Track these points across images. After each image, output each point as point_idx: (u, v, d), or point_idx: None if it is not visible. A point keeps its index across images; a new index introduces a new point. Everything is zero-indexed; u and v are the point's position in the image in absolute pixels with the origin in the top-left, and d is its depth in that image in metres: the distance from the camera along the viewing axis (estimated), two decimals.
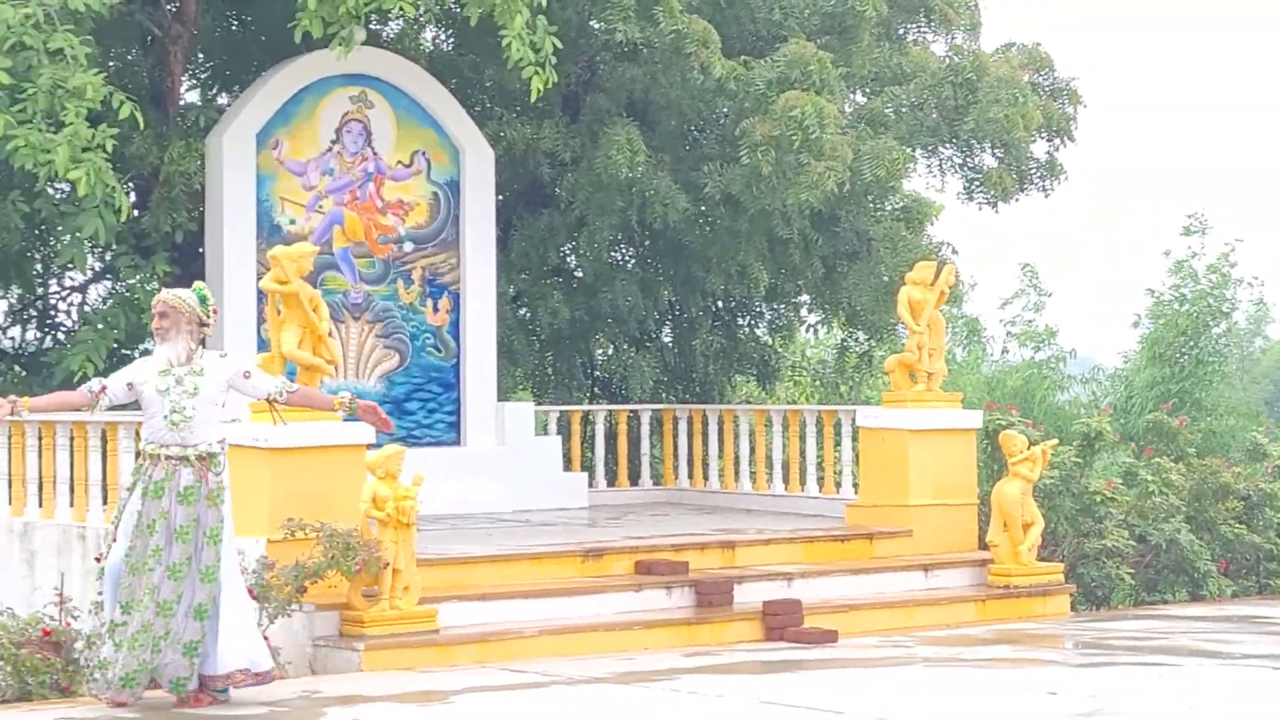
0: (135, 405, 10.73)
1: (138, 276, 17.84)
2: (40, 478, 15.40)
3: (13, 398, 10.39)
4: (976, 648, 13.91)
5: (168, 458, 10.30)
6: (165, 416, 10.31)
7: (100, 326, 17.77)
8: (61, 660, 11.20)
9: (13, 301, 20.94)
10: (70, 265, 17.07)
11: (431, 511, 16.49)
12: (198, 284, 10.76)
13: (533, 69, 16.08)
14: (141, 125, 15.83)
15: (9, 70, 14.54)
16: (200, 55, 20.49)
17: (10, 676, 11.05)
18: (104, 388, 10.49)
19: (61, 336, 19.99)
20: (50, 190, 17.06)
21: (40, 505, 15.36)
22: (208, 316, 10.58)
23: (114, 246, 17.67)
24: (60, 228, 16.85)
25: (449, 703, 11.07)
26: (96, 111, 15.15)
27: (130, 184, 18.71)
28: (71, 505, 14.97)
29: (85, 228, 15.93)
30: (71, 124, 14.66)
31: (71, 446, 14.99)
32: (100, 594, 10.43)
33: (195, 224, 18.04)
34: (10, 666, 11.06)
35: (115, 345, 17.90)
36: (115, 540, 10.39)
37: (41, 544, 15.06)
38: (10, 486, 15.60)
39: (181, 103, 19.08)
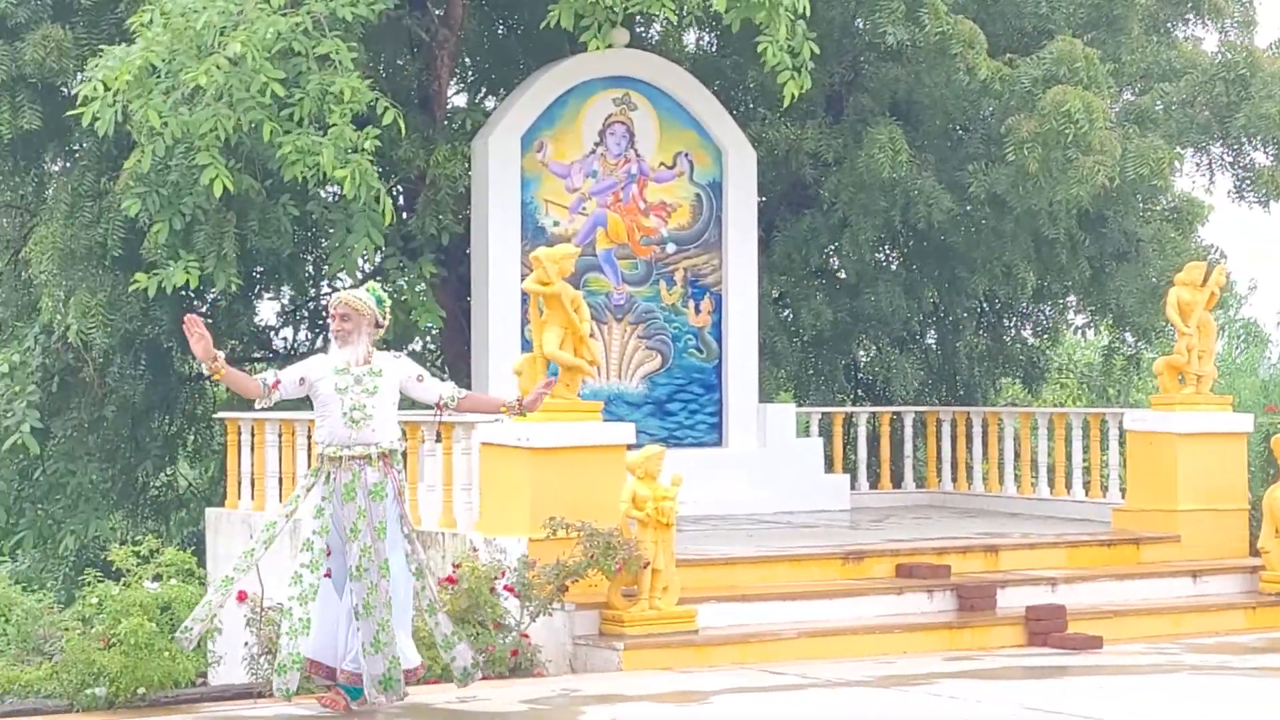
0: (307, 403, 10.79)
1: (405, 278, 18.13)
2: None
3: (219, 354, 10.17)
4: (1246, 656, 13.55)
5: (350, 458, 10.25)
6: (345, 414, 10.24)
7: None
8: None
9: (284, 303, 21.46)
10: (341, 272, 17.38)
11: (693, 512, 16.59)
12: (372, 284, 10.73)
13: (789, 74, 16.01)
14: (403, 130, 16.05)
15: (279, 80, 14.85)
16: (467, 59, 20.79)
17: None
18: (278, 381, 10.39)
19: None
20: (320, 194, 17.42)
21: None
22: (384, 317, 10.58)
23: (382, 248, 17.97)
24: (331, 231, 17.18)
25: (707, 703, 11.07)
26: (362, 115, 15.43)
27: (398, 187, 19.09)
28: None
29: (354, 234, 16.23)
30: (336, 126, 14.94)
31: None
32: (291, 598, 10.34)
33: (461, 226, 18.28)
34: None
35: (383, 344, 18.18)
36: (312, 549, 10.32)
37: None
38: (280, 484, 15.94)
39: (448, 106, 19.36)
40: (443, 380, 11.05)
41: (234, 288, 16.81)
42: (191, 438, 22.47)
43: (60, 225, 17.31)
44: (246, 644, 11.60)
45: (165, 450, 21.20)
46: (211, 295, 18.85)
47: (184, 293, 16.84)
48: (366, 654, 10.13)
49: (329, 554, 10.31)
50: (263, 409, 11.11)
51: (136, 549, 11.13)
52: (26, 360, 18.99)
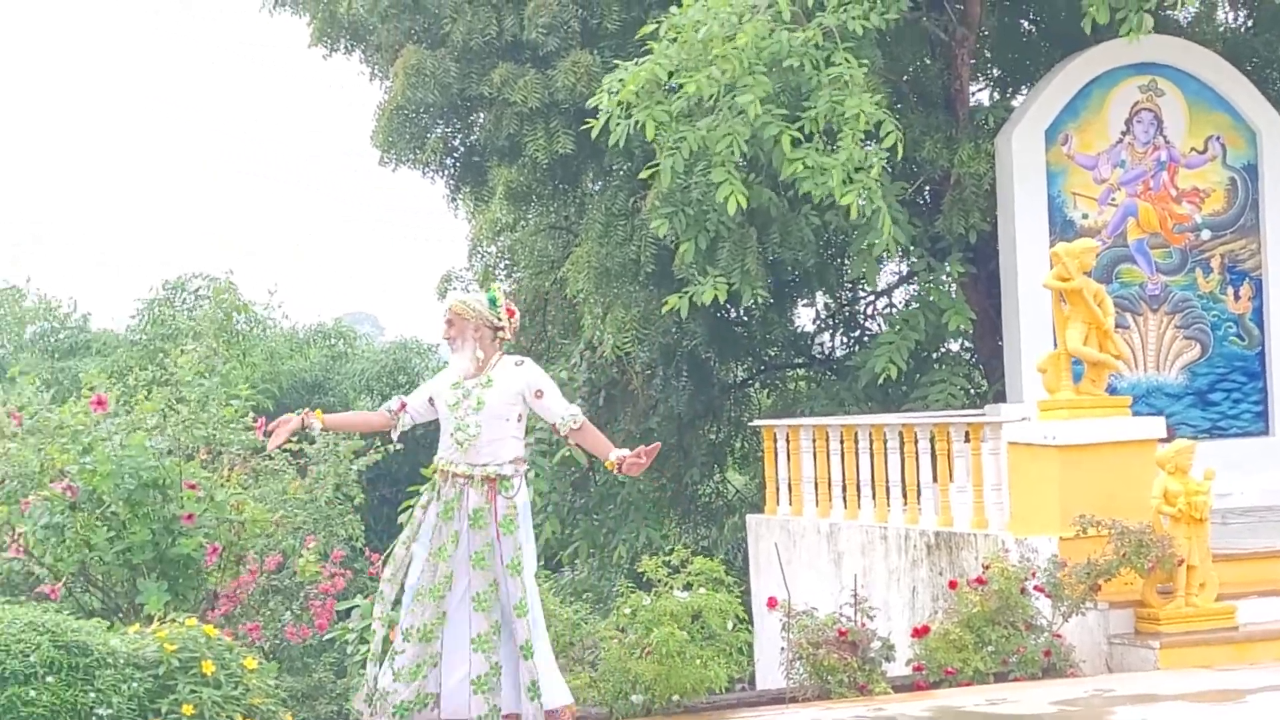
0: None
1: (933, 278, 18.14)
2: (844, 480, 15.89)
3: (305, 411, 9.79)
4: None
5: (455, 475, 9.50)
6: (452, 434, 9.51)
7: (900, 328, 18.18)
8: (858, 659, 11.51)
9: (819, 310, 21.72)
10: (861, 278, 17.51)
11: (1239, 504, 16.18)
12: (491, 286, 10.24)
13: None
14: (900, 151, 15.92)
15: (786, 89, 15.00)
16: (987, 55, 20.67)
17: (810, 675, 11.44)
18: (403, 405, 9.85)
19: (867, 341, 20.54)
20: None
21: (845, 506, 15.85)
22: (500, 320, 9.67)
23: (905, 250, 18.02)
24: (849, 242, 17.33)
25: (1242, 702, 10.74)
26: (876, 124, 15.50)
27: (924, 187, 19.10)
28: (874, 505, 15.37)
29: (870, 244, 16.34)
30: (845, 148, 15.02)
31: (871, 449, 15.40)
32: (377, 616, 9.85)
33: (989, 224, 18.19)
34: (809, 665, 11.45)
35: (915, 346, 18.26)
36: (410, 561, 9.71)
37: (847, 545, 15.54)
38: (816, 489, 16.17)
39: (970, 104, 19.29)
40: (570, 403, 9.94)
41: (760, 300, 17.12)
42: (738, 445, 22.95)
43: (595, 244, 17.95)
44: (781, 649, 11.79)
45: (712, 458, 21.72)
46: (744, 306, 19.23)
47: (718, 304, 17.22)
48: (405, 677, 9.54)
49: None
50: (400, 434, 10.18)
51: (667, 559, 11.44)
52: (574, 376, 19.75)
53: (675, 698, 10.78)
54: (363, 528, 21.20)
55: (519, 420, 9.57)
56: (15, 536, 13.16)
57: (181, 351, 18.24)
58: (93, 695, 9.48)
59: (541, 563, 19.99)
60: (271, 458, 19.66)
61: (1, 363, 31.46)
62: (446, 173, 20.13)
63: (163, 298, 28.77)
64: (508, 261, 23.21)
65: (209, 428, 14.54)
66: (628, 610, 10.98)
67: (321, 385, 30.96)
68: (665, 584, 11.14)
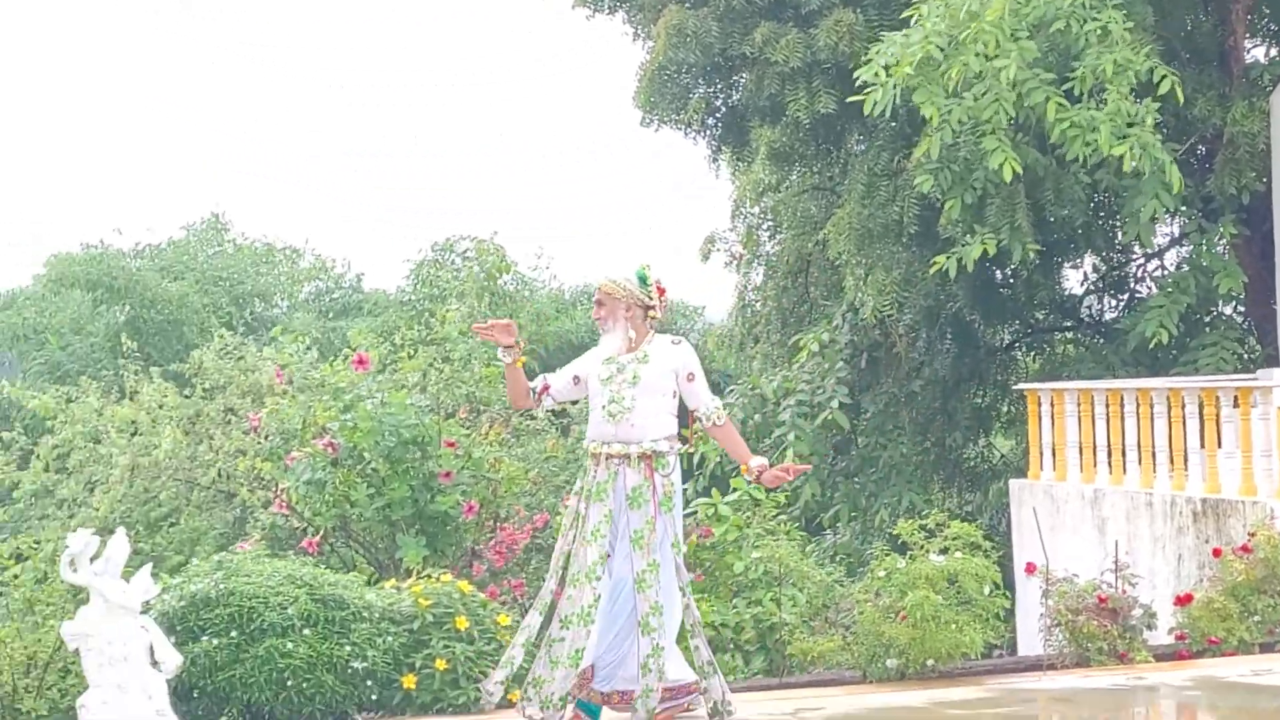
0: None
1: (1205, 240, 17.67)
2: (1109, 445, 15.57)
3: (517, 345, 9.27)
4: None
5: (609, 456, 9.03)
6: (604, 407, 9.09)
7: (1171, 291, 17.75)
8: (1118, 627, 11.25)
9: (1087, 273, 21.30)
10: (1136, 241, 17.09)
11: None
12: (642, 264, 9.53)
13: None
14: (1179, 98, 15.51)
15: (1054, 49, 14.70)
16: (1265, 10, 20.05)
17: (1068, 642, 11.22)
18: (546, 386, 9.40)
19: (1136, 304, 20.11)
20: (1109, 162, 17.22)
21: (1109, 472, 15.52)
22: (651, 298, 9.23)
23: (1175, 211, 17.57)
24: (1123, 197, 16.94)
25: None
26: (1145, 83, 15.12)
27: (1196, 147, 18.60)
28: (1140, 471, 15.03)
29: (1142, 204, 15.95)
30: (1113, 103, 14.67)
31: (1137, 414, 15.06)
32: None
33: (1263, 184, 17.65)
34: (1068, 632, 11.22)
35: (1186, 309, 17.81)
36: (568, 554, 9.26)
37: (1110, 511, 15.22)
38: (1081, 454, 15.86)
39: (1245, 62, 18.73)
40: (713, 396, 9.43)
41: (1030, 258, 16.82)
42: (1004, 409, 22.63)
43: (857, 205, 17.78)
44: (1040, 616, 11.59)
45: (977, 422, 21.45)
46: (1010, 267, 18.92)
47: (984, 266, 16.96)
48: (565, 664, 9.04)
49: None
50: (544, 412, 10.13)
51: (923, 523, 11.29)
52: (835, 338, 19.62)
53: (929, 662, 10.63)
54: None
55: (673, 397, 9.16)
56: (279, 492, 13.44)
57: (447, 311, 18.49)
58: (348, 648, 9.64)
59: (799, 524, 20.01)
60: (535, 417, 19.95)
61: (277, 322, 32.21)
62: (708, 133, 20.10)
63: (431, 259, 29.13)
64: (771, 223, 23.12)
65: (469, 386, 14.70)
66: (882, 573, 10.86)
67: (588, 346, 31.14)
68: (921, 548, 10.99)
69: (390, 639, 9.89)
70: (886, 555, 11.07)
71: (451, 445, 13.08)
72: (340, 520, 12.93)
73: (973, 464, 22.23)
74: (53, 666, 9.50)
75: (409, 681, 9.77)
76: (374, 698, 9.76)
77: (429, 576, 10.61)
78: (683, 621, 9.22)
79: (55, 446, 18.72)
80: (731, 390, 20.39)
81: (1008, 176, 15.24)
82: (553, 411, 20.35)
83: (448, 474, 12.87)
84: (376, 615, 9.94)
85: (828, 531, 22.19)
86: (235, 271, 31.22)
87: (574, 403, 9.99)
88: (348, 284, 36.03)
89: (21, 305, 29.97)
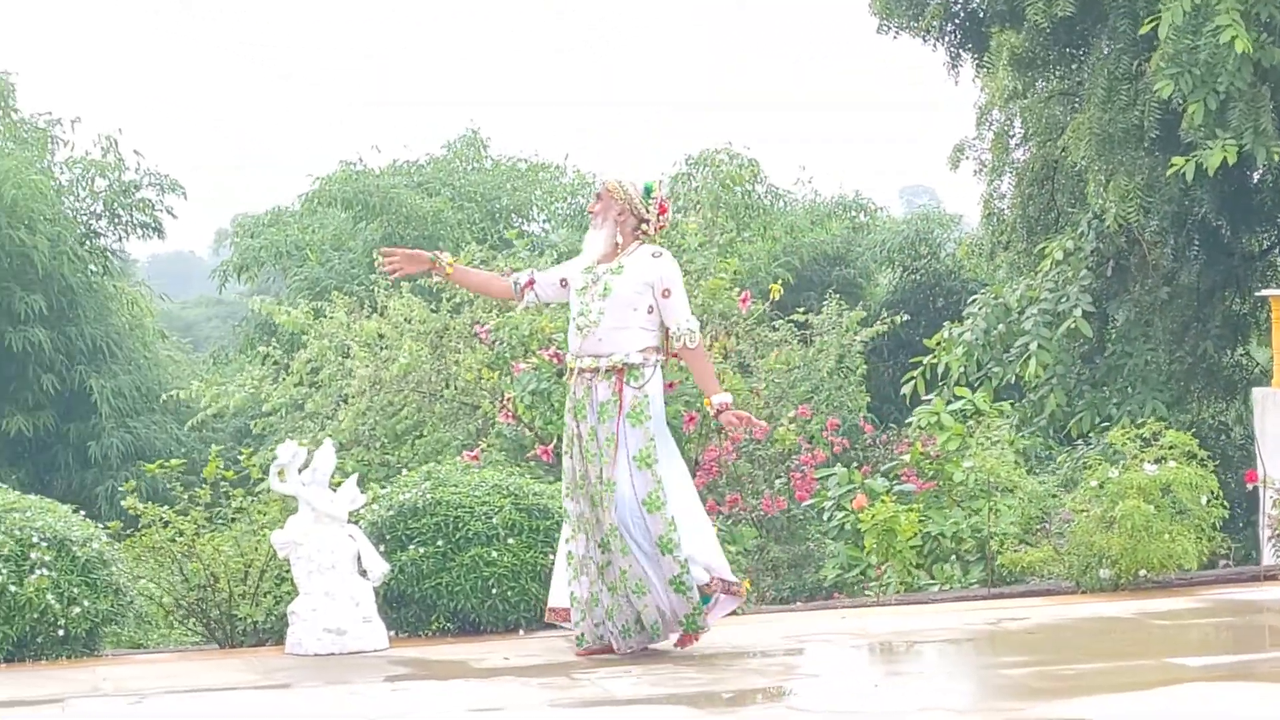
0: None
1: None
2: None
3: (438, 254, 9.21)
4: None
5: (582, 371, 8.79)
6: (574, 319, 8.86)
7: None
8: None
9: None
10: None
11: None
12: (653, 181, 9.11)
13: None
14: None
15: None
16: None
17: None
18: (531, 281, 9.18)
19: None
20: None
21: None
22: (647, 212, 8.89)
23: None
24: None
25: None
26: None
27: None
28: None
29: None
30: None
31: None
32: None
33: None
34: None
35: None
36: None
37: None
38: None
39: None
40: (692, 315, 9.03)
41: (1277, 160, 16.34)
42: (1263, 318, 22.05)
43: (1097, 110, 17.40)
44: (1264, 527, 11.37)
45: (1231, 331, 20.94)
46: (1255, 173, 18.41)
47: (1234, 170, 16.53)
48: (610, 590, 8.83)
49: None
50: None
51: (1139, 432, 11.12)
52: (1080, 245, 19.28)
53: (1142, 573, 10.50)
54: (866, 399, 21.36)
55: (648, 313, 8.78)
56: (505, 402, 13.67)
57: (687, 224, 18.55)
58: (551, 556, 9.79)
59: (1047, 435, 19.75)
60: (776, 328, 19.98)
61: (540, 239, 32.57)
62: (946, 40, 19.80)
63: (684, 172, 29.16)
64: (1020, 130, 22.73)
65: (700, 297, 14.73)
66: (1094, 484, 10.73)
67: (843, 257, 30.99)
68: (1136, 458, 10.83)
69: None
70: (1099, 465, 10.95)
71: (675, 356, 13.16)
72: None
73: (1228, 373, 21.71)
74: (268, 575, 9.78)
75: None
76: None
77: None
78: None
79: (308, 361, 19.21)
80: (974, 300, 20.14)
81: (1240, 48, 14.83)
82: (796, 323, 20.42)
83: (670, 385, 12.95)
84: None
85: (1079, 442, 21.89)
86: (491, 188, 31.57)
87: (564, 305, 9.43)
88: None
89: (286, 223, 30.71)
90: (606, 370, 8.73)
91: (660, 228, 9.00)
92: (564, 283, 9.09)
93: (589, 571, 8.83)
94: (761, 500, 14.64)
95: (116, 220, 28.90)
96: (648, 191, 8.94)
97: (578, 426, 8.80)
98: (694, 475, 13.73)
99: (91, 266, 28.21)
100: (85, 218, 28.74)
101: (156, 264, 78.22)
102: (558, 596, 9.13)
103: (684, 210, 23.57)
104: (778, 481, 14.95)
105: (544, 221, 34.01)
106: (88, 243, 28.23)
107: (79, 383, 26.90)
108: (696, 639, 8.91)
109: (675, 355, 9.13)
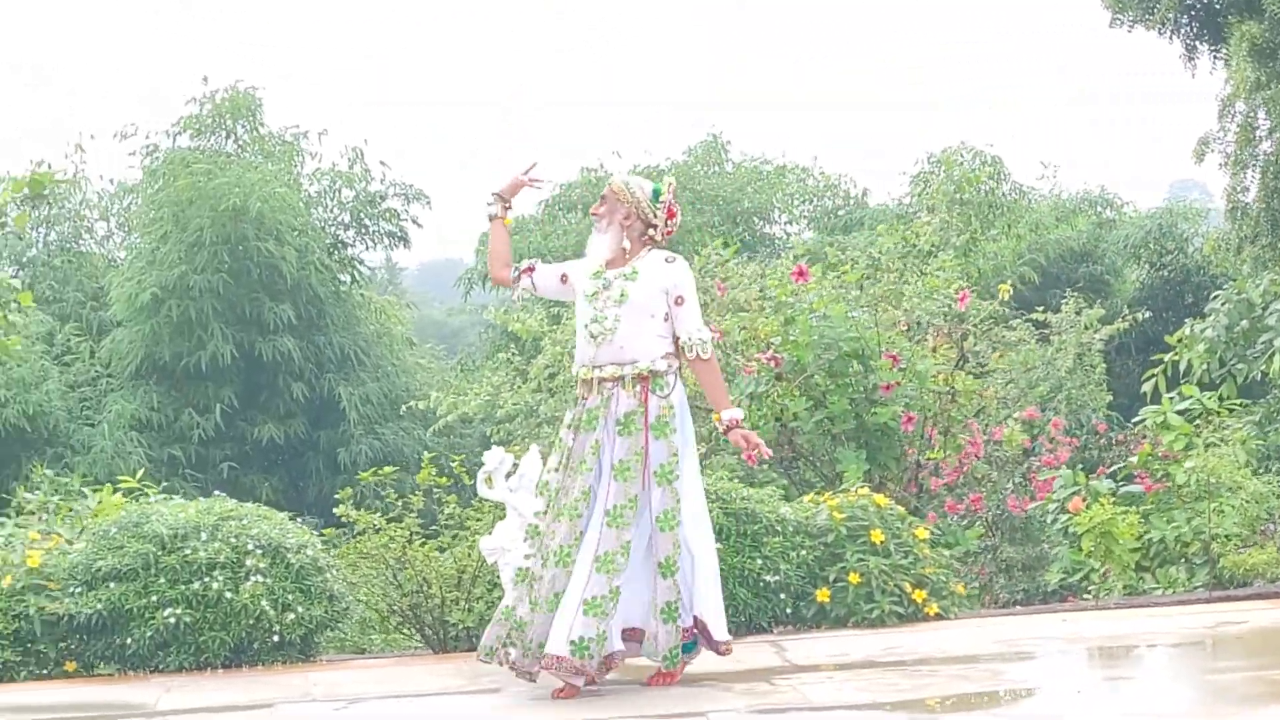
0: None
1: None
2: None
3: (507, 201, 8.67)
4: None
5: (601, 380, 8.24)
6: (586, 326, 8.32)
7: None
8: None
9: None
10: None
11: None
12: (660, 180, 8.60)
13: None
14: None
15: None
16: None
17: None
18: (530, 268, 8.67)
19: None
20: None
21: None
22: (655, 216, 8.40)
23: None
24: None
25: None
26: None
27: None
28: None
29: None
30: None
31: None
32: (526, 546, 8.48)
33: None
34: None
35: None
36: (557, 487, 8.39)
37: None
38: None
39: None
40: (704, 325, 8.43)
41: None
42: None
43: None
44: None
45: None
46: None
47: None
48: (544, 607, 8.20)
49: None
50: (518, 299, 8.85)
51: None
52: None
53: None
54: (1108, 398, 21.01)
55: (664, 320, 8.30)
56: None
57: (923, 225, 18.41)
58: (760, 562, 9.79)
59: None
60: (1013, 328, 19.72)
61: (773, 239, 32.56)
62: (1182, 32, 19.38)
63: (929, 171, 29.01)
64: (1264, 122, 22.14)
65: (912, 301, 14.60)
66: None
67: (1090, 254, 30.54)
68: None
69: (804, 552, 10.00)
70: None
71: (893, 359, 13.07)
72: (782, 432, 13.08)
73: None
74: (480, 580, 9.90)
75: (823, 595, 9.88)
76: (788, 610, 9.90)
77: (845, 490, 10.68)
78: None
79: (545, 366, 19.37)
80: (1216, 295, 19.67)
81: None
82: (1034, 323, 20.14)
83: (889, 386, 12.88)
84: (790, 529, 10.07)
85: None
86: (732, 190, 31.64)
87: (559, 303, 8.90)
88: (853, 200, 36.05)
89: (529, 230, 31.08)
90: (632, 379, 8.25)
91: (668, 233, 8.51)
92: (564, 279, 8.61)
93: (535, 592, 8.24)
94: (1006, 500, 14.51)
95: (364, 230, 29.50)
96: (656, 195, 8.48)
97: (574, 439, 8.29)
98: (917, 476, 13.67)
99: (341, 276, 28.82)
100: (333, 228, 29.36)
101: (427, 271, 79.60)
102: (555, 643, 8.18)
103: (929, 209, 23.42)
104: (1013, 482, 14.78)
105: (785, 223, 34.01)
106: (335, 252, 28.83)
107: (328, 390, 27.52)
108: (674, 679, 8.32)
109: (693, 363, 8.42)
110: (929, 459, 13.59)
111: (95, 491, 12.16)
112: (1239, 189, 22.49)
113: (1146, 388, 19.28)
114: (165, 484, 25.56)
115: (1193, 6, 19.14)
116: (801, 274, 13.94)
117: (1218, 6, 18.95)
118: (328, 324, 27.93)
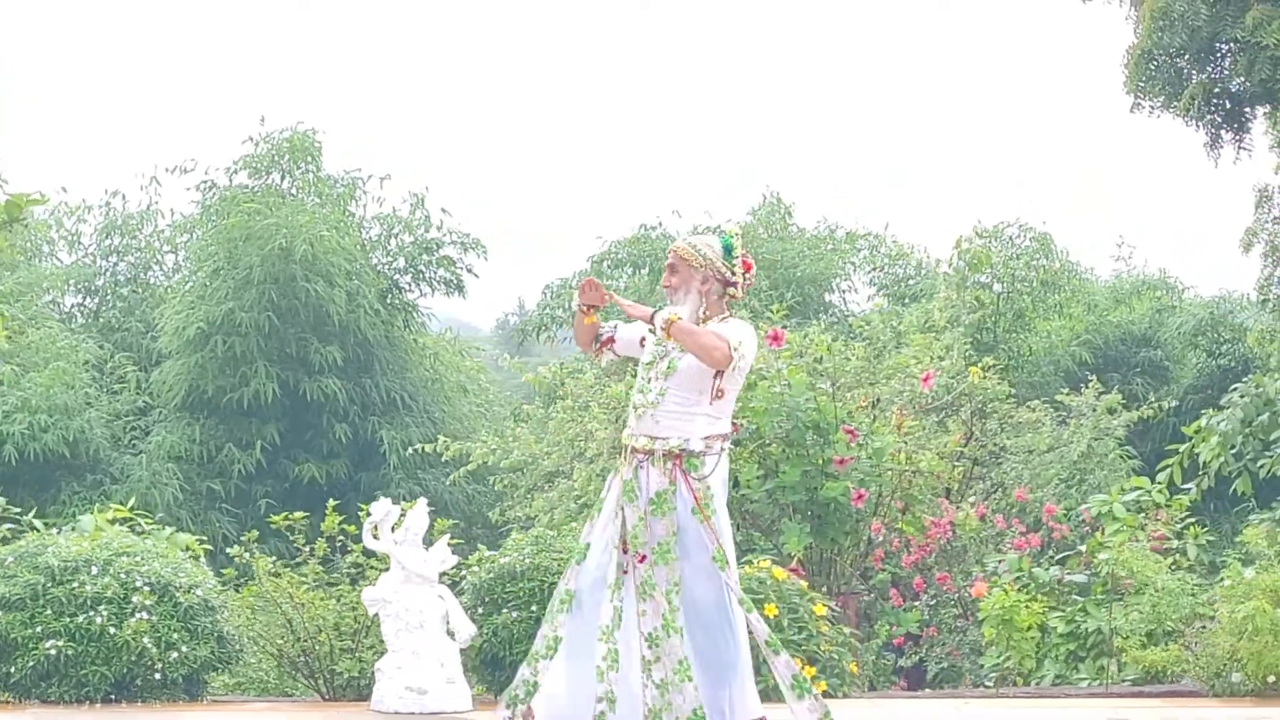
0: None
1: None
2: None
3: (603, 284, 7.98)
4: None
5: (633, 450, 7.76)
6: (632, 395, 7.88)
7: None
8: None
9: None
10: None
11: None
12: (728, 230, 7.98)
13: None
14: None
15: None
16: None
17: None
18: (610, 339, 8.16)
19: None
20: None
21: None
22: (734, 274, 7.83)
23: None
24: None
25: None
26: None
27: None
28: None
29: None
30: None
31: None
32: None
33: None
34: None
35: None
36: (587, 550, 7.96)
37: None
38: None
39: None
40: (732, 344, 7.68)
41: None
42: None
43: None
44: None
45: None
46: None
47: None
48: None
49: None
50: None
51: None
52: None
53: (1270, 679, 10.08)
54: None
55: (718, 397, 7.73)
56: None
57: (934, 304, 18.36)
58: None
59: None
60: (1033, 410, 19.64)
61: (831, 306, 32.49)
62: (1206, 120, 19.27)
63: (979, 244, 28.80)
64: None
65: (880, 375, 14.58)
66: (1226, 583, 10.37)
67: (1150, 338, 30.19)
68: (1272, 558, 10.44)
69: None
70: (1234, 564, 10.58)
71: (850, 433, 13.01)
72: (731, 499, 13.05)
73: None
74: (372, 631, 10.00)
75: None
76: None
77: (761, 561, 10.66)
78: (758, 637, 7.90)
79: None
80: (1235, 388, 19.51)
81: None
82: (1053, 403, 20.05)
83: (843, 461, 12.83)
84: None
85: None
86: (791, 255, 31.50)
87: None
88: (924, 270, 35.85)
89: (572, 288, 31.16)
90: (662, 454, 7.70)
91: (748, 286, 7.95)
92: (643, 342, 8.05)
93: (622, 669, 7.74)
94: (971, 582, 14.48)
95: (419, 276, 29.70)
96: (728, 250, 7.89)
97: (624, 512, 7.78)
98: (869, 552, 13.65)
99: (395, 320, 29.00)
100: (391, 273, 29.59)
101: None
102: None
103: (944, 285, 23.36)
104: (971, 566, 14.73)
105: (844, 291, 33.86)
106: (390, 296, 29.04)
107: (371, 433, 27.70)
108: None
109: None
110: (881, 540, 13.59)
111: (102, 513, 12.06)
112: (1274, 281, 22.34)
113: (1161, 478, 19.15)
114: (201, 518, 25.99)
115: (1217, 94, 19.06)
116: (776, 339, 13.94)
117: (1243, 96, 18.86)
118: (376, 367, 28.13)
